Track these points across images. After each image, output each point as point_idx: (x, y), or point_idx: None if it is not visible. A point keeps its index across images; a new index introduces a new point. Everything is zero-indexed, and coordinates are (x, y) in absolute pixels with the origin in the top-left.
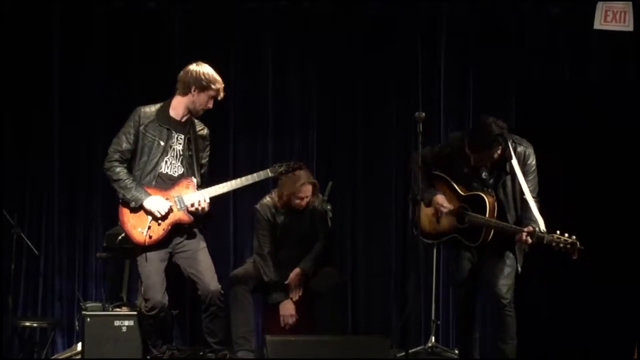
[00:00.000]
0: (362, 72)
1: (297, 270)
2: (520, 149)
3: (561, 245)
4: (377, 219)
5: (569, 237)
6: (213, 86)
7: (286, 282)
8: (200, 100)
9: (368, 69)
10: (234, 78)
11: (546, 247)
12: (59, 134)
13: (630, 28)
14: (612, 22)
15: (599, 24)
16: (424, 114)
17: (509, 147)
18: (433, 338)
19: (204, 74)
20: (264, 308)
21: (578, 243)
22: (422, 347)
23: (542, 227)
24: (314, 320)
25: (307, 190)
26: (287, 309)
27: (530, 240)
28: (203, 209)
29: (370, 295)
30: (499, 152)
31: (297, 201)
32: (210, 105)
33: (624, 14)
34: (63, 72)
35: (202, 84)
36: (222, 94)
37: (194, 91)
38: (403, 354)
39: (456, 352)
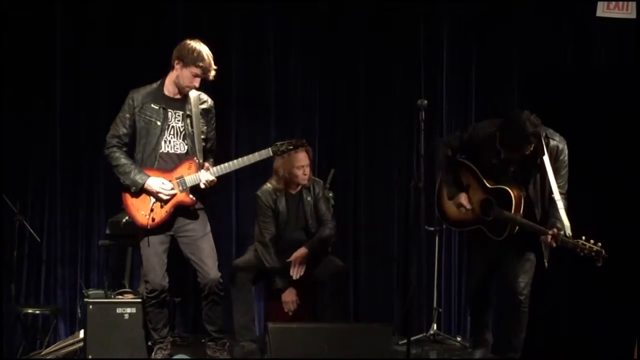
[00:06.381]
0: (365, 57)
1: (301, 249)
2: (553, 143)
3: (586, 251)
4: (379, 207)
5: (595, 244)
6: (198, 64)
7: (288, 260)
8: (184, 76)
9: (370, 54)
10: (235, 63)
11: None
12: (60, 120)
13: (633, 15)
14: (614, 9)
15: (601, 11)
16: (425, 101)
17: (542, 142)
18: (435, 325)
19: (191, 49)
20: (265, 295)
21: (604, 251)
22: (424, 334)
23: (568, 230)
24: (316, 308)
25: (302, 158)
26: (290, 295)
27: (554, 244)
28: (210, 183)
29: (372, 283)
30: (531, 149)
31: (299, 172)
32: (196, 84)
33: (627, 1)
34: (65, 56)
35: (187, 60)
36: (211, 75)
37: (178, 65)
38: (405, 341)
39: (458, 339)
